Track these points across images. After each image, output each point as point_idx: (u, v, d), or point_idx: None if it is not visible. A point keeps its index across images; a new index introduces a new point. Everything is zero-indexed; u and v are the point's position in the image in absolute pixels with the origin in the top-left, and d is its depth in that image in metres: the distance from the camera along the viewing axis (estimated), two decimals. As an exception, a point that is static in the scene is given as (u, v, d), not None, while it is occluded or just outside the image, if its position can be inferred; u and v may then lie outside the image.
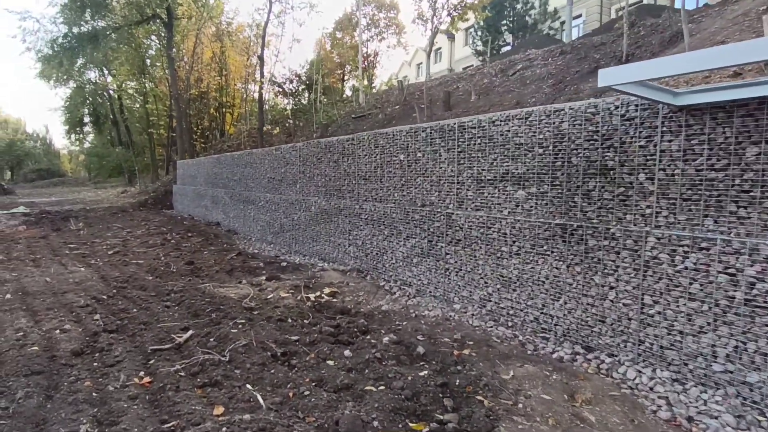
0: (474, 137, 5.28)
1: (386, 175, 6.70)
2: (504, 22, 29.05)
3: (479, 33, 29.76)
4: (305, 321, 4.73)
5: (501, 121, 4.97)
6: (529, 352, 3.94)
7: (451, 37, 46.35)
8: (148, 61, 30.14)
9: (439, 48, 50.29)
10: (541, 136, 4.56)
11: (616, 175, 3.98)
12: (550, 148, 4.48)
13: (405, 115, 16.11)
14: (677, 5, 18.23)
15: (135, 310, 4.96)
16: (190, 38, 25.71)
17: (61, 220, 13.50)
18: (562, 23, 30.33)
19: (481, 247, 5.10)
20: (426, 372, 3.42)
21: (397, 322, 4.68)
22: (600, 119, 4.10)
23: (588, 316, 4.08)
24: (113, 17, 22.49)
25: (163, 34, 24.72)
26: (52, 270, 6.85)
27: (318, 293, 5.72)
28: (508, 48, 29.29)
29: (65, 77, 28.08)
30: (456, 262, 5.42)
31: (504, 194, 4.93)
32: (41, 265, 7.30)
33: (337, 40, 32.05)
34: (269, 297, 5.50)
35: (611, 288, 3.91)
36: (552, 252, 4.37)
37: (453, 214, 5.45)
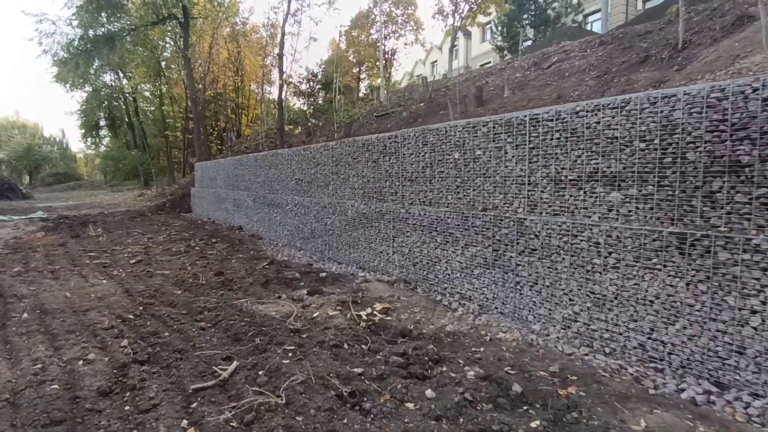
0: (551, 131, 4.57)
1: (437, 176, 6.01)
2: (525, 16, 28.17)
3: (499, 28, 28.88)
4: (364, 347, 4.06)
5: (587, 111, 4.25)
6: (651, 392, 3.21)
7: (467, 35, 45.54)
8: (163, 63, 29.86)
9: (455, 45, 49.60)
10: (643, 128, 3.83)
11: (754, 173, 3.23)
12: (656, 141, 3.75)
13: (431, 112, 15.40)
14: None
15: (167, 333, 4.33)
16: (205, 39, 25.31)
17: (80, 226, 13.04)
18: (586, 16, 29.39)
19: (563, 259, 4.37)
20: (537, 423, 2.72)
21: (473, 349, 3.98)
22: (729, 105, 3.36)
23: (718, 346, 3.34)
24: (129, 18, 22.15)
25: (178, 34, 24.36)
26: (72, 283, 6.28)
27: (369, 310, 5.05)
28: (528, 43, 28.43)
29: (81, 80, 27.88)
30: (530, 274, 4.71)
31: (592, 196, 4.21)
32: (60, 276, 6.75)
33: (352, 38, 31.42)
34: (315, 316, 4.84)
35: (754, 312, 3.16)
36: (665, 266, 3.63)
37: (525, 219, 4.74)
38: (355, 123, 18.92)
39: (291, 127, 20.44)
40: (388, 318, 4.88)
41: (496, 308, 5.06)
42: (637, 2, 26.77)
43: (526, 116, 4.82)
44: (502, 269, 5.01)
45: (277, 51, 25.04)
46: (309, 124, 20.03)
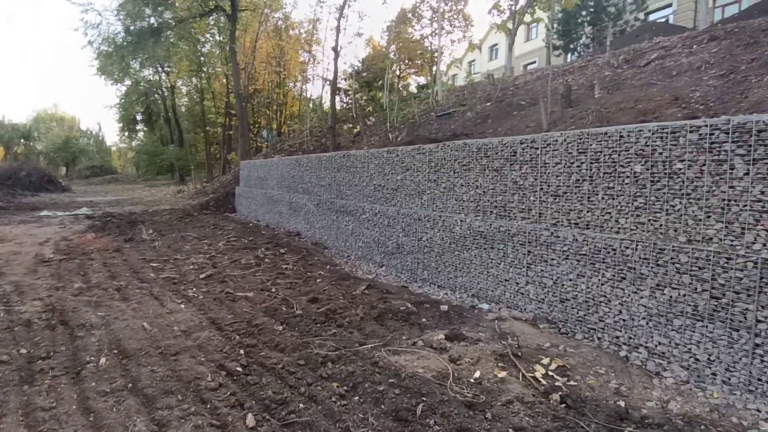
0: (827, 141, 3.27)
1: (602, 192, 4.76)
2: (584, 13, 26.53)
3: (555, 25, 27.28)
4: (584, 442, 2.85)
5: None
6: None
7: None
8: (203, 58, 29.27)
9: (496, 44, 47.91)
10: None
11: None
12: None
13: (502, 113, 14.09)
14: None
15: (300, 402, 3.21)
16: (249, 33, 24.53)
17: (129, 226, 12.21)
18: (648, 14, 27.54)
19: None
20: None
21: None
22: None
23: None
24: (174, 11, 21.49)
25: (221, 27, 23.63)
26: (147, 309, 5.26)
27: (541, 369, 3.84)
28: (583, 40, 26.74)
29: (122, 74, 27.51)
30: (784, 338, 3.42)
31: None
32: (129, 297, 5.76)
33: (396, 34, 30.22)
34: (478, 377, 3.66)
35: None
36: None
37: (779, 261, 3.45)
38: (411, 123, 17.75)
39: (349, 126, 19.32)
40: (573, 383, 3.66)
41: (715, 375, 3.78)
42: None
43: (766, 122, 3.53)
44: (728, 324, 3.73)
45: (320, 47, 24.09)
46: (367, 122, 18.91)
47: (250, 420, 2.98)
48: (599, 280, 4.70)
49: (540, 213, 5.47)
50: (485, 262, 6.15)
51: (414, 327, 4.81)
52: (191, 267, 7.59)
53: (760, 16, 11.76)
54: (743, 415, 3.25)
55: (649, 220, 4.36)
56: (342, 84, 29.63)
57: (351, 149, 17.78)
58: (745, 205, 3.71)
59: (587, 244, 4.82)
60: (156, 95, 35.48)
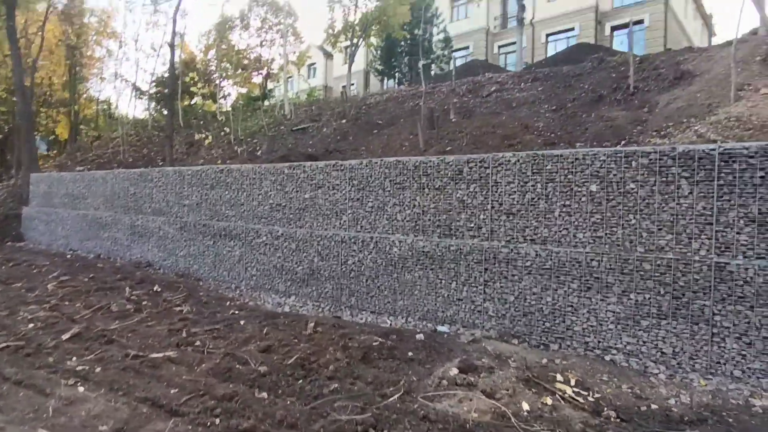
0: (750, 168, 4.20)
1: (559, 210, 5.15)
2: (402, 44, 29.16)
3: (378, 53, 29.29)
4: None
5: (809, 149, 3.99)
6: None
7: (328, 55, 45.45)
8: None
9: (314, 64, 48.83)
10: None
11: None
12: None
13: (361, 131, 14.33)
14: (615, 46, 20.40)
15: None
16: (33, 18, 19.47)
17: None
18: (453, 51, 31.89)
19: None
20: None
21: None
22: None
23: None
24: None
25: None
26: (33, 408, 3.43)
27: (567, 387, 3.87)
28: (402, 69, 29.51)
29: None
30: (735, 325, 4.21)
31: (817, 241, 3.94)
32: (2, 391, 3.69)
33: (218, 41, 27.90)
34: (529, 409, 3.46)
35: None
36: None
37: (729, 264, 4.24)
38: (257, 136, 16.53)
39: (205, 136, 16.56)
40: (598, 395, 3.81)
41: (680, 365, 4.42)
42: (493, 46, 30.21)
43: (713, 150, 4.38)
44: (689, 319, 4.41)
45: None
46: (202, 133, 16.67)
47: None
48: (564, 291, 5.06)
49: (492, 231, 5.62)
50: (432, 282, 6.00)
51: (413, 364, 4.33)
52: (34, 326, 5.35)
53: (562, 63, 14.82)
54: (733, 395, 3.85)
55: (606, 234, 4.90)
56: (147, 88, 25.78)
57: (186, 162, 15.59)
58: (691, 219, 4.48)
59: (551, 259, 5.14)
60: None
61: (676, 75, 10.29)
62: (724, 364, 4.26)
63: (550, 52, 27.30)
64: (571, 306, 5.01)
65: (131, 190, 10.61)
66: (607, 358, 4.68)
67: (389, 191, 6.47)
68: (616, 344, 4.75)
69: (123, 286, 7.45)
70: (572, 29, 26.60)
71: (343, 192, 6.96)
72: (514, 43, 29.60)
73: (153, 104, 24.37)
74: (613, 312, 4.77)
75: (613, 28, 26.26)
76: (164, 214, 9.74)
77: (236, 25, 26.72)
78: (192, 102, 25.39)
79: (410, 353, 4.57)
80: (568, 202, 5.11)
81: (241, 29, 27.22)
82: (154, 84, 24.13)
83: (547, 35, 27.59)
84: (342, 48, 26.10)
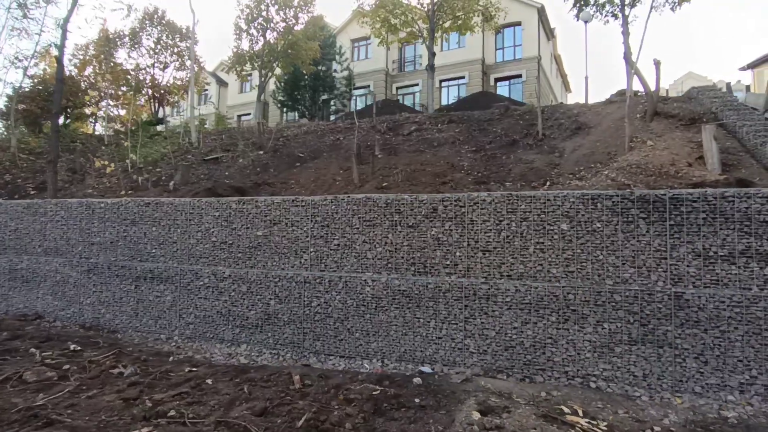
0: (695, 211, 4.99)
1: (533, 246, 5.52)
2: (306, 77, 29.22)
3: (281, 84, 28.93)
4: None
5: (736, 197, 4.88)
6: None
7: (222, 83, 43.71)
8: None
9: (206, 90, 46.35)
10: (793, 215, 4.70)
11: None
12: (804, 226, 4.66)
13: (282, 163, 13.89)
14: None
15: None
16: None
17: None
18: (354, 89, 32.75)
19: (737, 328, 4.73)
20: None
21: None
22: None
23: None
24: None
25: None
26: None
27: (582, 422, 4.05)
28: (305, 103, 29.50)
29: None
30: (693, 347, 4.84)
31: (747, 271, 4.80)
32: None
33: (100, 55, 25.02)
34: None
35: None
36: None
37: (685, 293, 4.91)
38: (160, 164, 15.01)
39: (107, 163, 14.13)
40: (604, 423, 4.05)
41: (650, 386, 4.92)
42: (392, 87, 31.84)
43: (664, 195, 5.11)
44: (654, 343, 4.97)
45: None
46: (88, 160, 14.50)
47: None
48: (544, 324, 5.36)
49: (468, 267, 5.79)
50: (410, 322, 5.92)
51: (428, 411, 4.15)
52: None
53: (467, 107, 16.17)
54: (706, 409, 4.39)
55: (578, 269, 5.36)
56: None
57: (70, 192, 13.49)
58: (649, 254, 5.12)
59: (530, 294, 5.43)
60: None
61: (576, 126, 11.91)
62: (686, 381, 4.86)
63: (444, 97, 29.84)
64: (551, 338, 5.32)
65: (11, 225, 8.79)
66: (593, 385, 5.03)
67: (358, 228, 6.32)
68: (593, 371, 5.14)
69: (23, 348, 6.03)
70: (463, 77, 29.32)
71: (304, 229, 6.61)
72: (412, 85, 31.87)
73: (15, 123, 20.72)
74: (590, 341, 5.18)
75: (497, 79, 29.65)
76: (63, 255, 8.21)
77: (125, 43, 24.47)
78: (66, 122, 22.16)
79: (417, 399, 4.40)
80: (541, 240, 5.51)
81: (130, 48, 25.06)
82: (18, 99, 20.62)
83: (441, 81, 29.88)
84: (246, 77, 25.36)
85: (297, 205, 6.68)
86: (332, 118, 29.59)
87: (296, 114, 30.65)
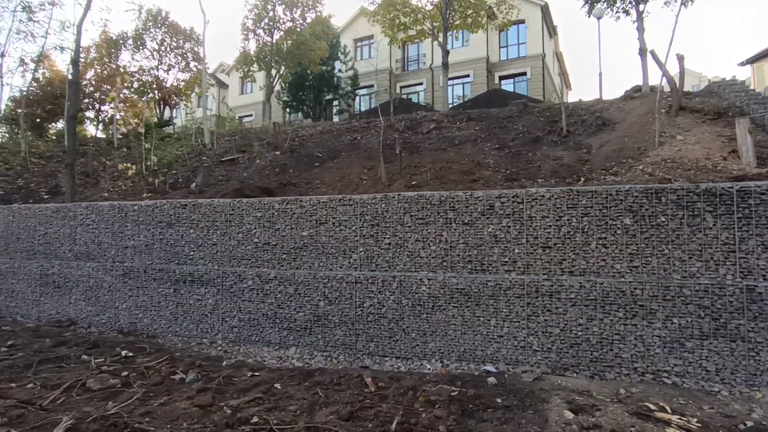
0: (763, 203, 4.95)
1: (595, 242, 5.46)
2: (311, 77, 29.07)
3: (286, 85, 28.74)
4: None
5: (807, 188, 4.85)
6: None
7: (222, 85, 43.52)
8: None
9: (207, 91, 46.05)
10: None
11: None
12: None
13: (300, 164, 13.78)
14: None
15: None
16: None
17: None
18: (359, 88, 32.65)
19: (812, 322, 4.70)
20: None
21: None
22: None
23: None
24: None
25: None
26: None
27: (676, 418, 4.00)
28: (309, 104, 29.32)
29: None
30: (767, 340, 4.81)
31: (820, 263, 4.76)
32: None
33: (102, 59, 24.75)
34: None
35: None
36: None
37: (757, 286, 4.87)
38: (175, 165, 14.84)
39: (128, 166, 13.96)
40: (694, 419, 4.00)
41: (723, 380, 4.88)
42: (396, 86, 31.75)
43: (731, 187, 5.07)
44: (727, 338, 4.92)
45: None
46: (100, 162, 14.31)
47: None
48: (611, 320, 5.31)
49: (527, 264, 5.72)
50: (469, 320, 5.84)
51: (515, 411, 4.07)
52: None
53: (482, 105, 16.13)
54: (791, 404, 4.35)
55: (642, 264, 5.31)
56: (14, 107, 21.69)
57: (86, 196, 13.29)
58: (717, 248, 5.08)
59: (595, 290, 5.38)
60: None
61: (599, 122, 11.89)
62: (761, 375, 4.82)
63: (449, 95, 29.78)
64: (619, 334, 5.27)
65: (40, 230, 8.63)
66: (667, 381, 4.98)
67: (410, 226, 6.23)
68: (664, 367, 5.09)
69: (73, 355, 5.89)
70: (467, 76, 29.29)
71: (353, 228, 6.51)
72: (416, 84, 31.77)
73: (23, 127, 20.43)
74: (659, 336, 5.13)
75: (501, 77, 29.64)
76: (95, 259, 8.06)
77: (129, 45, 24.22)
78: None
79: (498, 400, 4.33)
80: (604, 235, 5.45)
81: (134, 50, 24.79)
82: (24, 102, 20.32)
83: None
84: (252, 77, 25.17)
85: (345, 204, 6.59)
86: (335, 118, 29.53)
87: (300, 114, 30.52)
